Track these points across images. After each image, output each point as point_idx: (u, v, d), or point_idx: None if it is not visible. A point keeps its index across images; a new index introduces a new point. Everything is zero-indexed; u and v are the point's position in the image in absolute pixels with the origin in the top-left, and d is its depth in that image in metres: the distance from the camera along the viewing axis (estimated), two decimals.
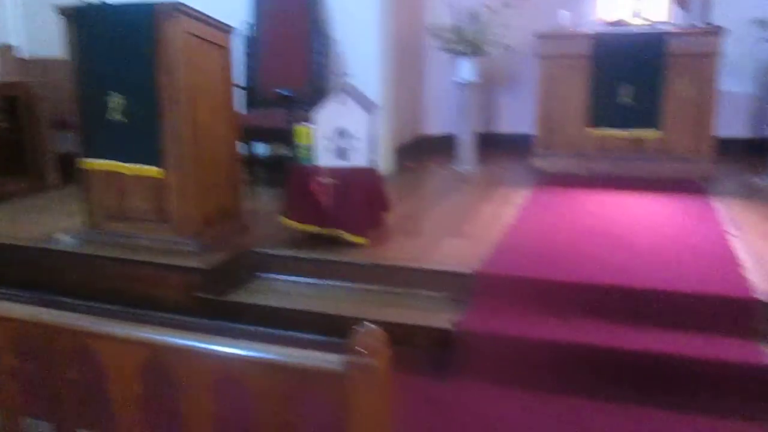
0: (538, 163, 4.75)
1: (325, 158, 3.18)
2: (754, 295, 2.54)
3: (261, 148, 4.95)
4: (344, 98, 3.09)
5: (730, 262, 2.90)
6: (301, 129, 3.23)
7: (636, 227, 3.46)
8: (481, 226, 3.59)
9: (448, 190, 4.51)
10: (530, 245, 3.17)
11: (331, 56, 4.61)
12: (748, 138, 5.39)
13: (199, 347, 1.46)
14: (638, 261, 2.90)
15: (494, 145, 5.74)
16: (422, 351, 2.71)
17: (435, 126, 5.84)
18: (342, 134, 3.15)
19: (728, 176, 4.59)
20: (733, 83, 5.07)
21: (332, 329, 2.49)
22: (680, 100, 4.39)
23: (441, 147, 5.56)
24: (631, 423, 2.21)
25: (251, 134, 4.42)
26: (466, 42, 4.70)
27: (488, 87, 5.74)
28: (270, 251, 3.27)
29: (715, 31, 4.34)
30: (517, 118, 5.61)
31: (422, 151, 5.66)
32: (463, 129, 4.96)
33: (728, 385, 2.27)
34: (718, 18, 4.56)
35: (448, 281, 2.92)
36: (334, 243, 3.22)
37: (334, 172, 3.14)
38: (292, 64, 4.60)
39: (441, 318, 2.72)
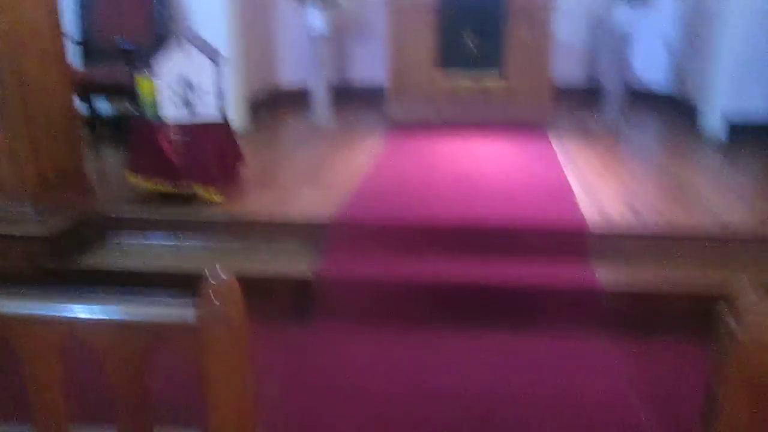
0: (392, 111, 4.83)
1: (171, 112, 3.05)
2: (586, 224, 2.79)
3: (103, 106, 4.65)
4: (187, 47, 2.96)
5: (567, 195, 3.15)
6: (143, 81, 3.06)
7: (484, 169, 3.65)
8: (336, 175, 3.63)
9: (304, 142, 4.49)
10: (383, 191, 3.26)
11: (172, 4, 4.37)
12: (583, 85, 5.80)
13: (39, 314, 1.38)
14: (485, 199, 3.08)
15: (349, 96, 5.75)
16: (284, 301, 2.73)
17: (289, 78, 5.74)
18: (187, 85, 3.02)
19: (565, 119, 4.93)
20: (568, 31, 5.40)
21: (190, 288, 2.44)
22: (520, 48, 4.60)
23: (296, 99, 5.48)
24: (480, 348, 2.37)
25: (90, 90, 4.15)
26: None
27: (341, 37, 5.71)
28: (119, 213, 3.12)
29: None
30: (370, 68, 5.62)
31: (277, 104, 5.57)
32: (316, 81, 4.92)
33: (565, 307, 2.49)
34: None
35: (306, 231, 2.95)
36: (188, 200, 3.13)
37: (182, 126, 3.03)
38: (131, 14, 4.32)
39: (300, 268, 2.75)
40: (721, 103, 4.32)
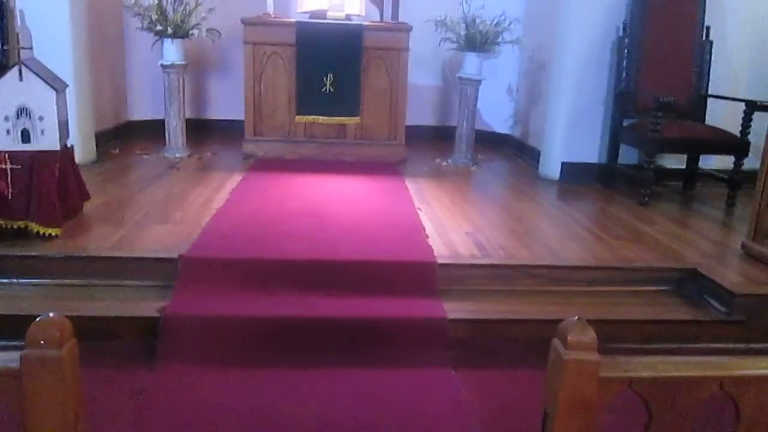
0: (248, 148, 4.79)
1: (4, 141, 2.83)
2: (434, 258, 2.89)
3: None
4: (25, 73, 2.78)
5: (418, 232, 3.26)
6: None
7: (338, 206, 3.69)
8: (189, 211, 3.52)
9: (156, 177, 4.32)
10: (237, 227, 3.20)
11: (11, 28, 4.08)
12: (435, 125, 6.09)
13: None
14: (338, 236, 3.11)
15: (206, 131, 5.66)
16: (130, 342, 2.58)
17: (142, 110, 5.55)
18: (24, 113, 2.82)
19: (418, 159, 5.13)
20: (421, 76, 5.68)
21: (20, 332, 2.24)
22: (376, 90, 4.78)
23: (149, 132, 5.31)
24: (330, 382, 2.37)
25: None
26: (169, 23, 4.55)
27: (198, 71, 5.63)
28: None
29: (404, 28, 4.79)
30: (227, 103, 5.59)
31: (128, 137, 5.35)
32: (171, 113, 4.78)
33: (414, 338, 2.56)
34: (406, 16, 5.05)
35: (154, 268, 2.81)
36: (21, 236, 2.89)
37: (16, 156, 2.81)
38: None
39: (147, 306, 2.61)
40: (557, 147, 4.69)
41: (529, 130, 5.48)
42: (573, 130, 4.60)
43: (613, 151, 4.54)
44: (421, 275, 2.80)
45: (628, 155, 4.54)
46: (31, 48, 3.96)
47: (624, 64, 4.42)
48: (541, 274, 2.95)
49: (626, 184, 4.51)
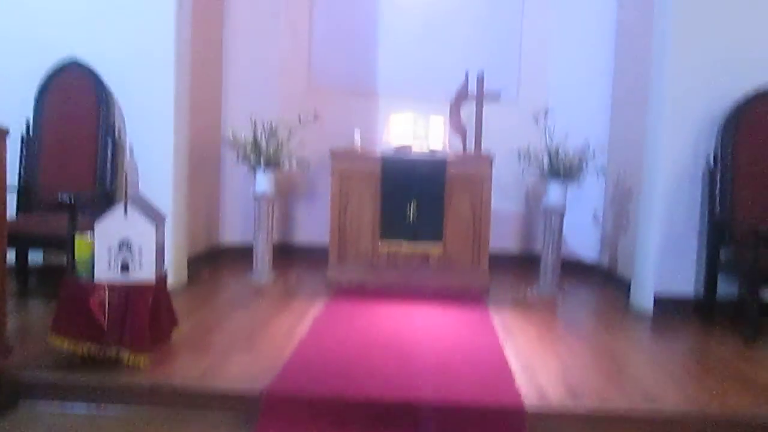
0: (332, 274, 4.85)
1: (105, 273, 2.97)
2: (523, 404, 2.74)
3: (37, 257, 4.52)
4: (130, 209, 2.95)
5: (504, 372, 3.12)
6: (81, 241, 3.00)
7: (422, 339, 3.62)
8: (272, 340, 3.53)
9: (243, 303, 4.41)
10: (318, 361, 3.16)
11: (120, 161, 4.42)
12: (519, 252, 6.02)
13: None
14: (422, 373, 3.02)
15: (291, 256, 5.80)
16: None
17: (232, 236, 5.79)
18: (125, 247, 2.97)
19: (502, 287, 5.03)
20: (504, 203, 5.70)
21: None
22: (459, 218, 4.79)
23: (238, 257, 5.50)
24: None
25: (24, 241, 4.03)
26: (263, 155, 4.81)
27: (286, 197, 5.86)
28: (36, 374, 2.92)
29: (487, 159, 4.85)
30: (313, 228, 5.77)
31: (218, 261, 5.55)
32: (259, 239, 4.95)
33: None
34: (488, 145, 5.14)
35: (236, 401, 2.80)
36: (112, 364, 2.96)
37: (114, 288, 2.93)
38: (77, 168, 4.33)
39: None
40: (648, 278, 4.49)
41: (617, 258, 5.32)
42: (666, 260, 4.42)
43: (710, 282, 4.29)
44: (508, 421, 2.65)
45: (728, 287, 4.29)
46: (137, 182, 4.26)
47: (717, 192, 4.28)
48: (640, 427, 2.73)
49: (727, 318, 4.23)
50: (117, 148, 4.40)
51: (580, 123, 5.28)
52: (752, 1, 4.32)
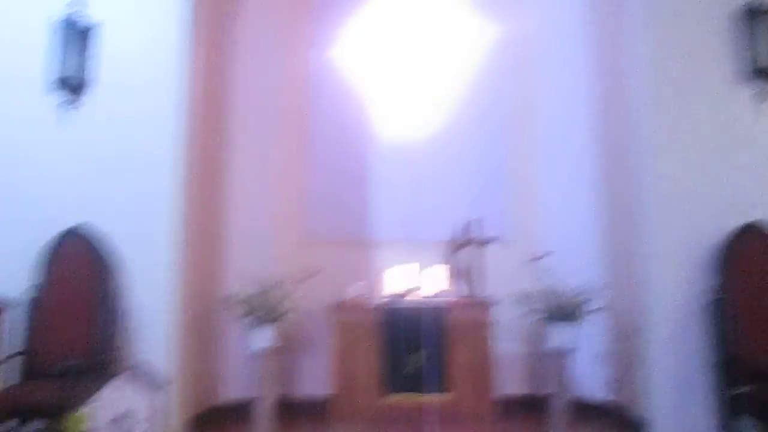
0: (335, 429, 4.73)
1: None
2: None
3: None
4: (126, 381, 2.97)
5: None
6: (73, 418, 2.99)
7: None
8: None
9: None
10: None
11: (117, 328, 4.44)
12: (526, 395, 5.88)
13: None
14: None
15: (293, 410, 5.62)
16: None
17: (232, 392, 5.62)
18: (123, 417, 2.96)
19: None
20: (508, 346, 5.63)
21: None
22: (462, 365, 4.76)
23: (239, 415, 5.32)
24: None
25: (22, 410, 3.96)
26: (262, 311, 4.84)
27: (286, 352, 5.79)
28: None
29: (488, 303, 4.90)
30: (314, 382, 5.63)
31: (219, 418, 5.40)
32: (260, 395, 4.88)
33: None
34: (489, 289, 5.19)
35: None
36: None
37: None
38: (76, 335, 4.32)
39: None
40: (660, 418, 4.41)
41: (627, 398, 5.19)
42: (677, 400, 4.34)
43: (726, 422, 4.20)
44: None
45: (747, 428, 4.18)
46: (135, 348, 4.25)
47: (720, 328, 4.29)
48: None
49: None
50: (114, 314, 4.42)
51: (578, 262, 5.35)
52: (733, 141, 4.57)
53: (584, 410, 5.41)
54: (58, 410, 3.65)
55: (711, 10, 4.70)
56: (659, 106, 4.64)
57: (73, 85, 4.55)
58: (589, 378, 5.60)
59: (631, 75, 4.87)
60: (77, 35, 4.54)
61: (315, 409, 5.42)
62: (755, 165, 4.56)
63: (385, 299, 5.11)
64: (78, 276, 4.48)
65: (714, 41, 4.68)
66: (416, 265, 5.23)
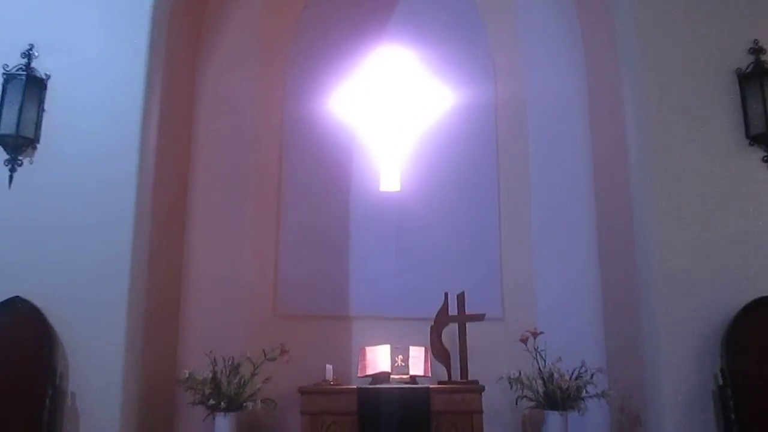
0: None
1: None
2: None
3: None
4: None
5: None
6: None
7: None
8: None
9: None
10: None
11: (60, 409, 4.27)
12: None
13: None
14: None
15: None
16: None
17: None
18: None
19: None
20: None
21: None
22: None
23: None
24: None
25: None
26: (224, 396, 4.71)
27: None
28: None
29: (476, 389, 4.81)
30: None
31: None
32: None
33: None
34: (475, 373, 5.11)
35: None
36: None
37: None
38: (16, 416, 4.16)
39: None
40: None
41: None
42: None
43: None
44: None
45: None
46: None
47: (732, 416, 4.24)
48: None
49: None
50: (58, 394, 4.29)
51: (574, 342, 5.33)
52: (742, 209, 4.61)
53: None
54: None
55: (715, 68, 4.80)
56: (665, 171, 4.66)
57: (14, 144, 4.49)
58: None
59: (633, 139, 4.92)
60: (23, 88, 4.50)
61: None
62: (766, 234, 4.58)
63: (364, 381, 5.01)
64: (18, 353, 4.33)
65: (720, 102, 4.75)
66: (397, 347, 5.16)
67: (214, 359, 4.85)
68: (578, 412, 4.83)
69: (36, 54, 4.63)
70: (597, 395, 4.88)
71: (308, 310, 5.87)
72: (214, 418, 4.77)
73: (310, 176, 6.13)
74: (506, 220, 6.17)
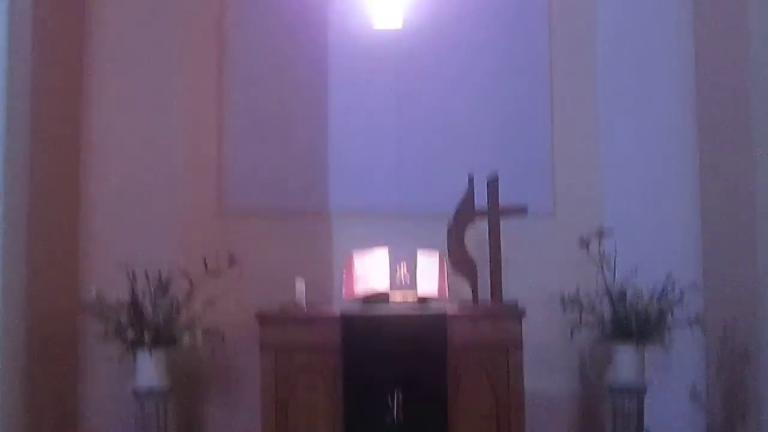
0: None
1: None
2: None
3: None
4: None
5: None
6: None
7: None
8: None
9: None
10: None
11: None
12: None
13: None
14: None
15: None
16: None
17: None
18: None
19: None
20: (545, 383, 5.54)
21: None
22: (473, 413, 4.68)
23: None
24: None
25: None
26: (148, 327, 4.73)
27: (188, 394, 5.66)
28: None
29: (513, 313, 4.77)
30: None
31: None
32: None
33: None
34: (512, 293, 5.07)
35: None
36: None
37: None
38: None
39: None
40: None
41: None
42: None
43: None
44: None
45: None
46: None
47: None
48: None
49: None
50: None
51: (656, 249, 5.37)
52: None
53: None
54: None
55: None
56: None
57: None
58: (676, 429, 5.57)
59: None
60: None
61: None
62: None
63: (350, 306, 5.01)
64: None
65: None
66: (400, 252, 5.10)
67: (133, 274, 4.86)
68: (661, 345, 4.79)
69: None
70: (688, 322, 4.85)
71: (269, 204, 5.87)
72: (134, 357, 4.78)
73: (271, 17, 5.98)
74: (560, 76, 6.07)
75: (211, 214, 5.83)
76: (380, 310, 4.88)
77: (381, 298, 4.97)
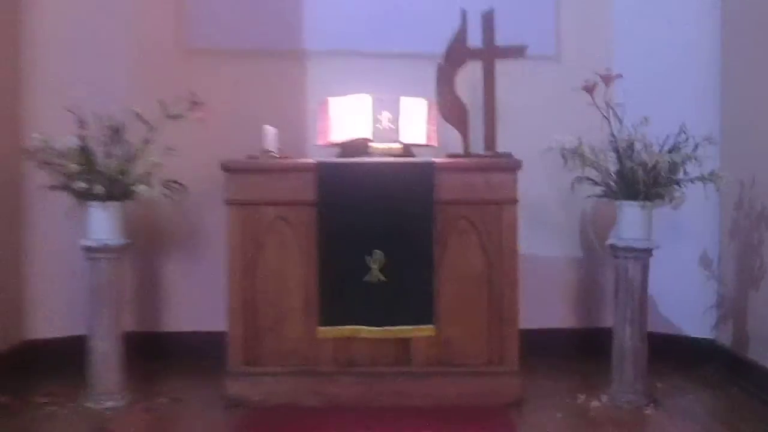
0: (235, 387, 4.73)
1: None
2: None
3: None
4: None
5: None
6: None
7: None
8: None
9: None
10: None
11: None
12: (573, 329, 5.92)
13: None
14: None
15: (159, 355, 5.67)
16: None
17: (49, 324, 5.63)
18: None
19: (546, 396, 4.93)
20: (542, 244, 5.65)
21: None
22: (462, 275, 4.71)
23: (61, 361, 5.34)
24: None
25: None
26: (101, 176, 4.67)
27: (146, 253, 5.70)
28: None
29: (508, 165, 4.76)
30: (197, 307, 5.71)
31: (26, 369, 5.39)
32: (97, 330, 4.79)
33: None
34: (507, 145, 5.04)
35: None
36: None
37: None
38: None
39: None
40: None
41: (747, 332, 5.25)
42: None
43: None
44: None
45: None
46: None
47: None
48: None
49: None
50: None
51: (669, 98, 5.36)
52: None
53: (672, 353, 5.48)
54: None
55: None
56: None
57: None
58: (682, 300, 5.64)
59: None
60: None
61: (197, 353, 5.52)
62: None
63: (328, 153, 5.02)
64: None
65: None
66: (382, 96, 5.04)
67: (82, 118, 4.75)
68: (670, 202, 4.79)
69: None
70: (701, 178, 4.85)
71: (235, 41, 5.87)
72: (86, 212, 4.76)
73: None
74: None
75: (168, 51, 5.82)
76: (360, 158, 4.86)
77: (361, 146, 4.94)
